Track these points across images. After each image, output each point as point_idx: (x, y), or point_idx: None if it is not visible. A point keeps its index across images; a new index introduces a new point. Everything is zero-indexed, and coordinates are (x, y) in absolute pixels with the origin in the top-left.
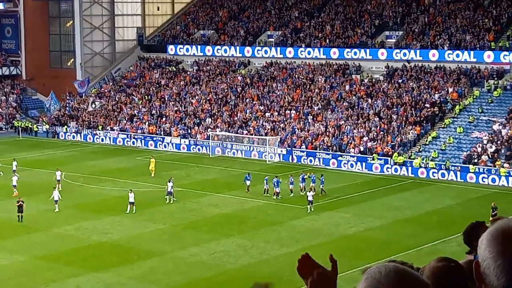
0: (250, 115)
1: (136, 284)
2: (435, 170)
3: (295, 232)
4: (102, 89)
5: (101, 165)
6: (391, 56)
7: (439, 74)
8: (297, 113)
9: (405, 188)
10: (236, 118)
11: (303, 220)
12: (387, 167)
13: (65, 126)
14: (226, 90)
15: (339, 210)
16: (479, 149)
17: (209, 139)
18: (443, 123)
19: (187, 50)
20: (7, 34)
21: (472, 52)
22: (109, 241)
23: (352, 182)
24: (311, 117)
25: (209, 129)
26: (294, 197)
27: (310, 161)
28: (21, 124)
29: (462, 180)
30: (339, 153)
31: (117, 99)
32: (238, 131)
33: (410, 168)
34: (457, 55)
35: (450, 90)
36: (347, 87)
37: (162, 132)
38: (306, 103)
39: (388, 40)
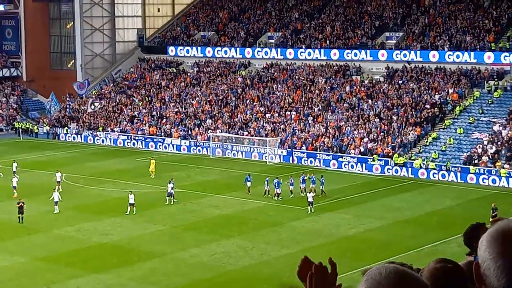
0: (251, 116)
1: (136, 285)
2: (436, 171)
3: (296, 233)
4: (103, 90)
5: (102, 167)
6: (391, 57)
7: (440, 75)
8: (298, 114)
9: (406, 189)
10: (236, 119)
11: (303, 221)
12: (388, 168)
13: (66, 128)
14: (226, 91)
15: (339, 211)
16: (480, 150)
17: (210, 140)
18: (444, 124)
19: (188, 51)
20: (7, 36)
21: (472, 53)
22: (110, 242)
23: (353, 183)
24: (312, 118)
25: (209, 130)
26: (294, 198)
27: (311, 162)
28: (21, 125)
29: (463, 181)
30: (339, 154)
31: (117, 100)
32: (239, 132)
33: (410, 169)
34: (457, 56)
35: (451, 91)
36: (348, 88)
37: (162, 133)
38: (306, 104)
39: (388, 41)
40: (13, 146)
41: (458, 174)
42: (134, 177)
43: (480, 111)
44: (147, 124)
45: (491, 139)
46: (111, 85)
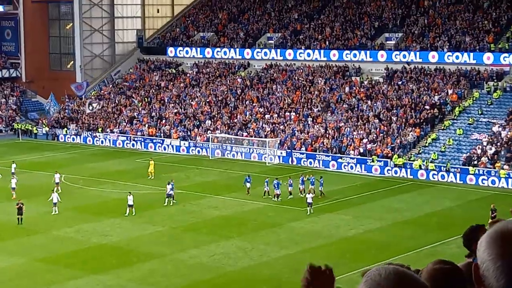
0: (250, 117)
1: (135, 286)
2: (435, 172)
3: (295, 234)
4: (102, 91)
5: (101, 167)
6: (390, 58)
7: (439, 76)
8: (297, 115)
9: (405, 190)
10: (235, 120)
11: (302, 222)
12: (387, 169)
13: (65, 129)
14: (225, 92)
15: (338, 212)
16: (479, 151)
17: (209, 141)
18: (443, 125)
19: (187, 52)
20: (6, 37)
21: (471, 54)
22: (109, 243)
23: (352, 184)
24: (311, 119)
25: (208, 131)
26: (293, 199)
27: (310, 163)
28: (21, 126)
29: (462, 182)
30: (338, 155)
31: (116, 101)
32: (238, 133)
33: (409, 170)
34: (457, 57)
35: (450, 91)
36: (347, 89)
37: (162, 134)
38: (305, 105)
39: (387, 42)
40: (12, 147)
41: (458, 175)
42: (134, 178)
43: (480, 112)
44: (147, 125)
45: (491, 140)
46: (111, 86)
